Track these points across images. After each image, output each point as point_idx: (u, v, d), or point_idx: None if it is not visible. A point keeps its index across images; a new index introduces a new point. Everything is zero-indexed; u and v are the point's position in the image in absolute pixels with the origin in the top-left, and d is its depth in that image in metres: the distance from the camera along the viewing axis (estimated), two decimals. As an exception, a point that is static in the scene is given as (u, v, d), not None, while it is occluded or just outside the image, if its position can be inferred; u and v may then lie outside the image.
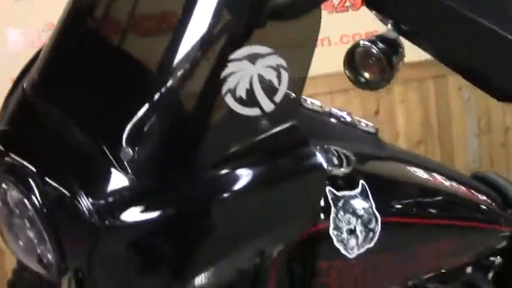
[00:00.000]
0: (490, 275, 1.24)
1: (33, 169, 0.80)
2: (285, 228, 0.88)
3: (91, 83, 0.84)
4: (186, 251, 0.82)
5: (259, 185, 0.84)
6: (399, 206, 1.02)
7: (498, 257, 1.24)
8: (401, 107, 2.93)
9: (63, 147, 0.82)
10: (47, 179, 0.79)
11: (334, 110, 1.13)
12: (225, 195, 0.82)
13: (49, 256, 0.82)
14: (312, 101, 1.08)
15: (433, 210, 1.06)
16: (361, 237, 0.95)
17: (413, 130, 2.97)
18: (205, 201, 0.82)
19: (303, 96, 1.08)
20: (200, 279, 0.83)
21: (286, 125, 0.86)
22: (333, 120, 1.10)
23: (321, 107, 1.10)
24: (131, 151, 0.79)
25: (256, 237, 0.86)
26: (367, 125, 1.13)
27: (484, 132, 3.07)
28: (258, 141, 0.84)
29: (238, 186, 0.83)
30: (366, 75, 0.86)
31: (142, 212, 0.78)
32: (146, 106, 0.79)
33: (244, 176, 0.83)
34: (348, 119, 1.12)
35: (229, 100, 0.80)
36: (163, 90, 0.80)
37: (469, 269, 1.19)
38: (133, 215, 0.78)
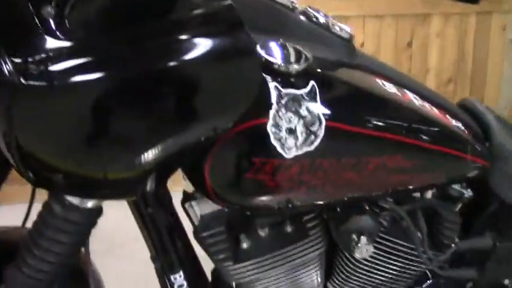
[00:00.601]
0: (458, 206, 1.19)
1: None
2: (220, 110, 0.86)
3: None
4: (128, 121, 0.80)
5: (196, 59, 0.81)
6: (350, 114, 0.96)
7: (469, 189, 1.18)
8: (437, 41, 2.78)
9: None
10: None
11: (309, 9, 1.07)
12: (165, 64, 0.80)
13: None
14: (283, -5, 1.02)
15: (389, 125, 1.00)
16: (301, 138, 0.91)
17: (446, 67, 2.83)
18: (141, 68, 0.79)
19: (273, -11, 1.03)
20: (139, 154, 0.82)
21: (222, 3, 0.82)
22: (303, 18, 1.04)
23: (293, 2, 1.05)
24: (55, 10, 0.76)
25: (196, 113, 0.84)
26: (341, 29, 1.07)
27: (521, 78, 2.90)
28: (193, 16, 0.81)
29: (178, 57, 0.80)
30: None
31: (69, 74, 0.76)
32: None
33: (183, 48, 0.80)
34: (322, 20, 1.06)
35: None
36: None
37: (429, 194, 1.14)
38: (58, 75, 0.75)
